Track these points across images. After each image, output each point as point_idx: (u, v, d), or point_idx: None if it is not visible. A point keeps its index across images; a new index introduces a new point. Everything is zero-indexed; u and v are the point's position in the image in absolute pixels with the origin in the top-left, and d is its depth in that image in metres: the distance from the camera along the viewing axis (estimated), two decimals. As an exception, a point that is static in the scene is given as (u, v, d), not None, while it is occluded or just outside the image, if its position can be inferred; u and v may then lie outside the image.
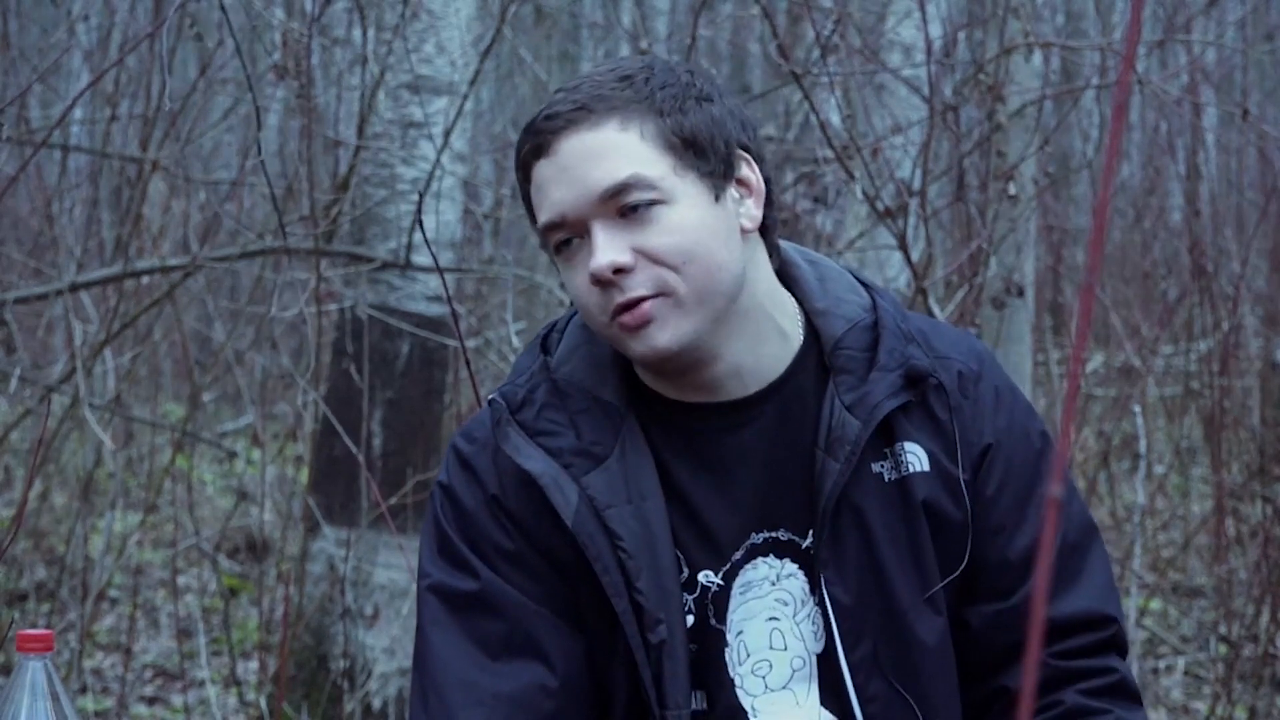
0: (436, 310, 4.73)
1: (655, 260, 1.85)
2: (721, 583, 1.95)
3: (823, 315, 1.96)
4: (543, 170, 1.88)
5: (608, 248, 1.84)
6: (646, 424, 1.94)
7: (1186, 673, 5.31)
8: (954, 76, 4.88)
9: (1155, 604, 5.67)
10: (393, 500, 4.41)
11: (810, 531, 1.94)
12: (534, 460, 1.91)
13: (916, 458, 1.93)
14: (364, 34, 4.64)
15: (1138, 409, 5.64)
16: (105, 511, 5.59)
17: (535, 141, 1.88)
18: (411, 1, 4.55)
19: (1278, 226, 6.47)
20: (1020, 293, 4.44)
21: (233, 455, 7.14)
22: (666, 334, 1.86)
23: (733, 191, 1.91)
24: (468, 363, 2.48)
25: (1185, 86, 5.75)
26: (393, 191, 4.74)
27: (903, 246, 4.06)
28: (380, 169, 4.78)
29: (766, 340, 1.94)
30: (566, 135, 1.86)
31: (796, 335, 1.97)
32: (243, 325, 6.01)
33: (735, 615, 1.95)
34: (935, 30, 4.74)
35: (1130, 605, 4.81)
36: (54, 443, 5.29)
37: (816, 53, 4.18)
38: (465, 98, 4.64)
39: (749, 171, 1.92)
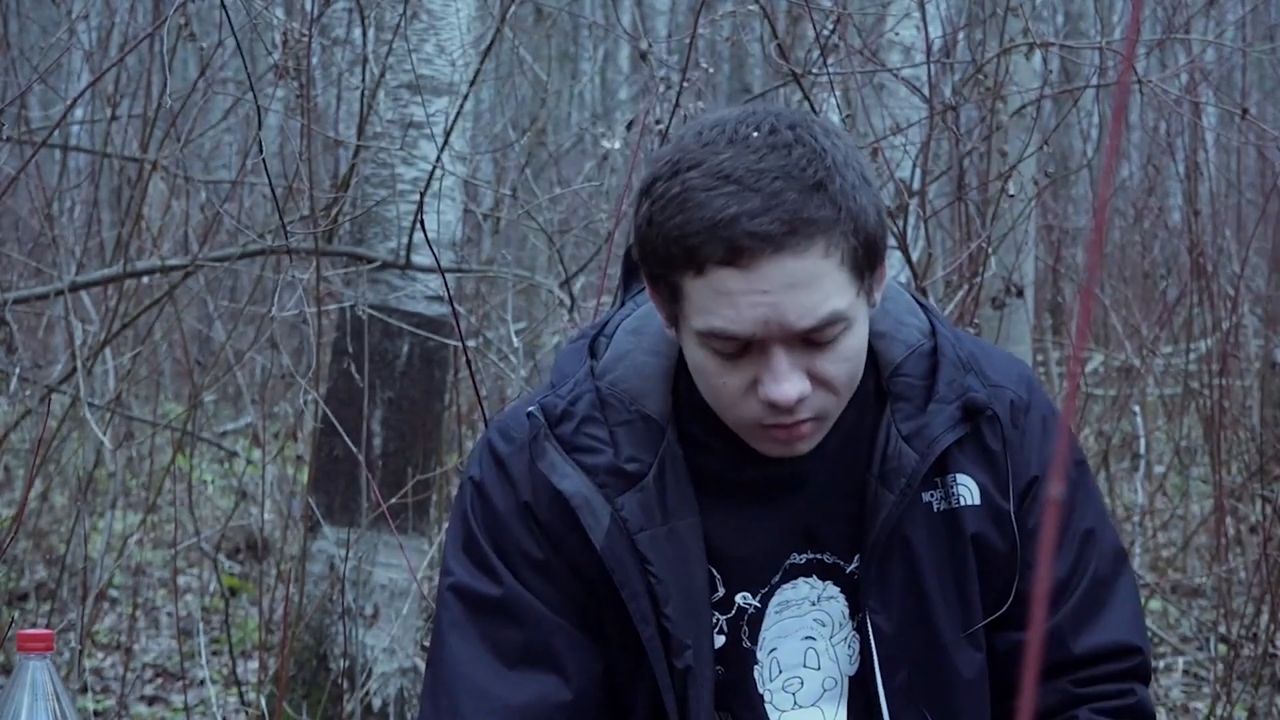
0: (436, 310, 4.73)
1: (828, 387, 1.79)
2: (758, 605, 1.92)
3: (882, 338, 1.90)
4: (732, 281, 1.73)
5: (792, 378, 1.76)
6: (692, 439, 1.89)
7: (1186, 672, 5.31)
8: (954, 76, 4.88)
9: (1155, 604, 5.67)
10: (393, 500, 4.40)
11: (856, 557, 1.91)
12: (569, 480, 1.87)
13: (968, 490, 1.90)
14: (364, 34, 4.63)
15: (1137, 409, 5.64)
16: (105, 511, 5.59)
17: (729, 250, 1.72)
18: (411, 1, 4.55)
19: (1278, 226, 6.46)
20: (1020, 293, 4.44)
21: (233, 455, 7.13)
22: (807, 445, 1.83)
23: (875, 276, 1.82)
24: (469, 362, 2.48)
25: (1185, 86, 5.74)
26: (393, 191, 4.74)
27: (903, 246, 4.06)
28: (380, 169, 4.78)
29: None
30: (771, 258, 1.72)
31: None
32: (243, 325, 6.00)
33: (769, 633, 1.93)
34: (935, 30, 4.73)
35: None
36: (54, 443, 5.29)
37: (816, 53, 4.18)
38: (465, 98, 4.64)
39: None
